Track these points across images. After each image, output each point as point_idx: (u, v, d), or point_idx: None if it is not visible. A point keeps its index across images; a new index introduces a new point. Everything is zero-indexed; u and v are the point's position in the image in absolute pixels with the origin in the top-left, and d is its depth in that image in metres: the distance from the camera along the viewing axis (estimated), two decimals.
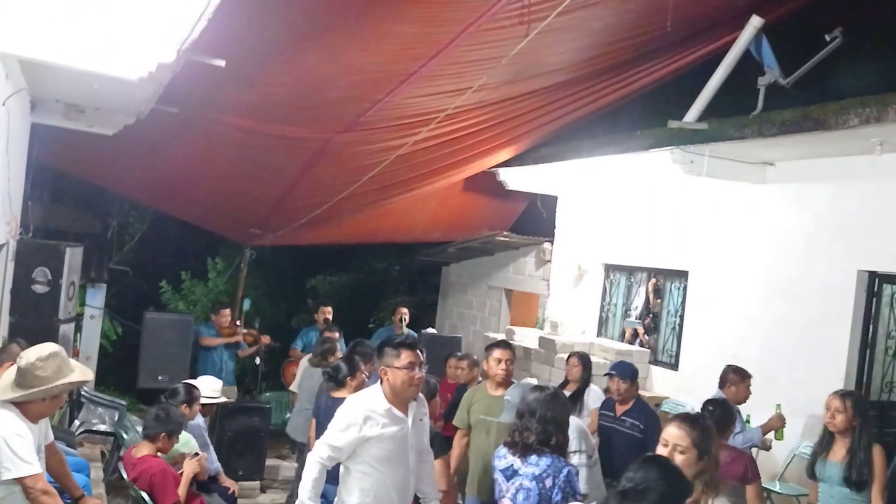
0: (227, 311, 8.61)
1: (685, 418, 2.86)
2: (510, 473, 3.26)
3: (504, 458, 3.32)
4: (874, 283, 6.19)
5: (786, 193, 6.81)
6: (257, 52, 4.93)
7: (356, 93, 5.83)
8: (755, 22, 6.19)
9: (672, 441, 2.76)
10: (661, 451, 2.80)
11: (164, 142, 6.69)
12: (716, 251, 7.47)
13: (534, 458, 3.22)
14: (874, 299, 6.21)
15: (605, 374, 5.75)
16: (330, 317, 8.75)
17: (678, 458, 2.69)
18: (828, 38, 6.10)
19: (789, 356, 6.49)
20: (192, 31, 3.24)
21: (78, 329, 7.63)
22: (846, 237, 6.24)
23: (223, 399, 6.17)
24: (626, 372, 5.46)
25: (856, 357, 6.17)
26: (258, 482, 7.14)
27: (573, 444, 3.58)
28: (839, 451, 4.40)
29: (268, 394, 8.98)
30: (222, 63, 4.42)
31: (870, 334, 6.21)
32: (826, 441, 4.49)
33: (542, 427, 3.25)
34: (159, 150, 6.94)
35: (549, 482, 3.15)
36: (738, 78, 6.54)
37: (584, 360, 6.21)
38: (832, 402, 4.45)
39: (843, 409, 4.37)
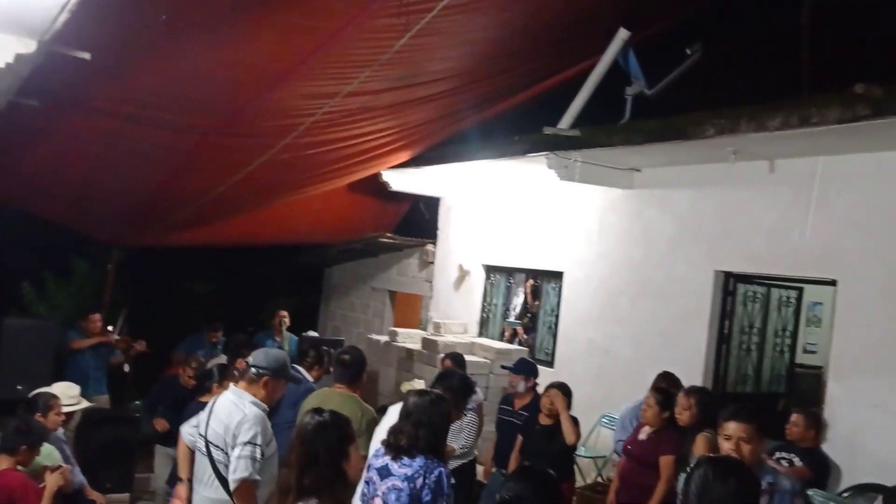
0: (97, 315, 8.20)
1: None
2: (385, 473, 3.33)
3: (380, 458, 3.38)
4: (729, 282, 6.67)
5: (651, 198, 7.22)
6: (127, 43, 4.73)
7: (234, 87, 5.69)
8: (622, 34, 6.50)
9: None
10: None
11: (25, 136, 6.29)
12: (589, 253, 7.81)
13: (406, 459, 3.30)
14: (729, 298, 6.69)
15: (503, 368, 6.29)
16: (219, 336, 8.47)
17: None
18: (688, 51, 6.52)
19: (655, 352, 6.86)
20: (54, 22, 3.10)
21: None
22: (704, 240, 6.68)
23: (83, 405, 5.86)
24: (520, 368, 5.93)
25: (713, 352, 6.63)
26: (128, 494, 6.84)
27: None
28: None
29: (138, 402, 8.58)
30: (87, 55, 4.22)
31: (725, 330, 6.68)
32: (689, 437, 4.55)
33: (414, 431, 3.32)
34: (21, 144, 6.51)
35: (419, 482, 3.24)
36: (609, 88, 6.88)
37: (458, 360, 6.41)
38: (680, 398, 4.63)
39: (687, 405, 4.54)
